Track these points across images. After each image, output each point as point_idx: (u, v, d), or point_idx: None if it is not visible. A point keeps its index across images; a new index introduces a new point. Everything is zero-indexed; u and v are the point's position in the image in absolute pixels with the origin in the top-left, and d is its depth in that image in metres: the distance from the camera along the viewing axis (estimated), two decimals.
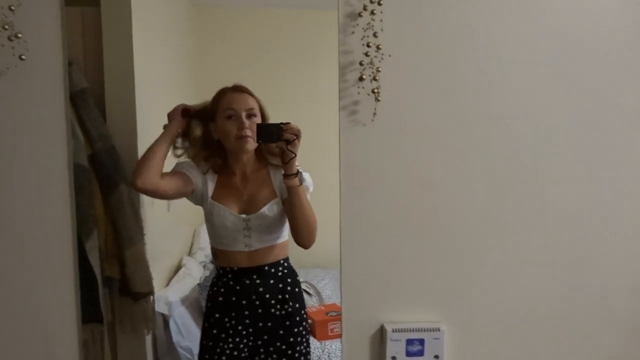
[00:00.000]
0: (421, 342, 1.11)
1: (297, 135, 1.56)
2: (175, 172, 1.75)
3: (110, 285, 1.90)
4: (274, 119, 1.78)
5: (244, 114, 1.70)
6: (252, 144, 1.72)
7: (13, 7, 1.08)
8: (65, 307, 1.29)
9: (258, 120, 1.73)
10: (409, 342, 1.11)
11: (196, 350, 1.91)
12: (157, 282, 2.27)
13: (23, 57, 1.10)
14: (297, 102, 2.30)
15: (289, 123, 1.56)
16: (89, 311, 1.67)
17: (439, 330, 1.10)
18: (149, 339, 2.06)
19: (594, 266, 1.22)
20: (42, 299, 1.28)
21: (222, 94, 1.76)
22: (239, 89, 1.76)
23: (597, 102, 1.20)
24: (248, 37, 2.33)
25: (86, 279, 1.65)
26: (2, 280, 1.26)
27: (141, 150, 1.96)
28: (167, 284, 2.37)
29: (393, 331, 1.09)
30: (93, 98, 1.80)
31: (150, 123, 2.09)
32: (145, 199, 1.97)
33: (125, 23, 1.85)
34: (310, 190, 1.75)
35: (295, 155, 1.57)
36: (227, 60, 2.56)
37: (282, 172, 1.64)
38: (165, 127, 1.76)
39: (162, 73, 2.28)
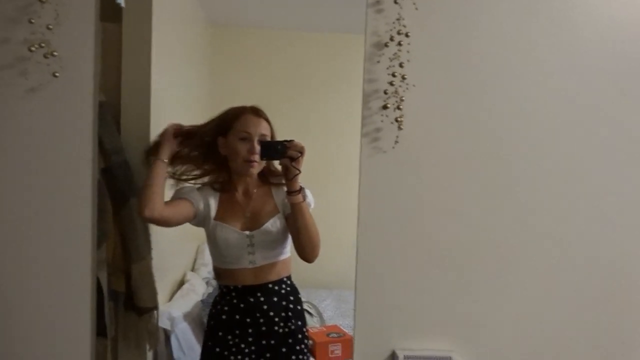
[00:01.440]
0: None
1: (302, 152, 1.57)
2: (176, 199, 1.74)
3: (115, 299, 1.89)
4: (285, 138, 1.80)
5: (256, 139, 1.71)
6: (257, 169, 1.74)
7: (51, 26, 1.11)
8: (81, 319, 1.29)
9: None
10: None
11: None
12: (160, 297, 2.26)
13: (57, 74, 1.12)
14: (309, 123, 2.34)
15: (293, 140, 1.58)
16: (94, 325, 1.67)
17: (450, 359, 1.12)
18: (150, 354, 2.05)
19: (617, 303, 1.23)
20: (59, 310, 1.28)
21: (240, 113, 1.77)
22: (257, 113, 1.77)
23: (623, 134, 1.23)
24: (266, 58, 2.37)
25: None
26: (21, 288, 1.26)
27: None
28: (170, 299, 2.37)
29: (405, 358, 1.10)
30: (110, 112, 1.82)
31: None
32: None
33: (145, 40, 1.88)
34: (312, 207, 1.77)
35: (300, 172, 1.59)
36: (242, 79, 2.60)
37: (285, 189, 1.66)
38: (154, 150, 1.73)
39: (179, 89, 2.31)
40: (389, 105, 1.12)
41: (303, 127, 2.24)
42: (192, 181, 1.79)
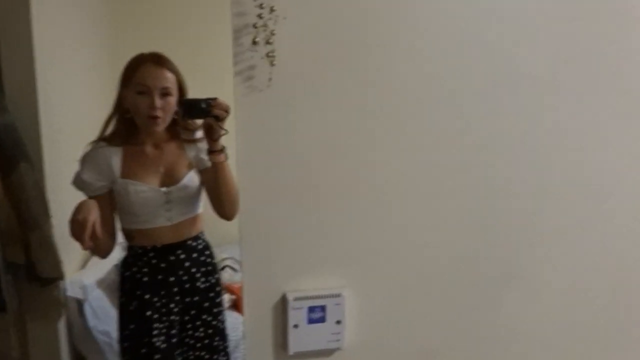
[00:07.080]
0: (323, 308, 1.10)
1: (227, 111, 1.47)
2: (91, 200, 1.53)
3: (15, 271, 1.79)
4: (191, 84, 1.68)
5: (157, 93, 1.57)
6: (161, 125, 1.61)
7: None
8: None
9: (174, 99, 1.61)
10: (311, 309, 1.09)
11: (114, 333, 1.83)
12: (72, 266, 2.17)
13: None
14: (214, 65, 2.22)
15: (217, 98, 1.46)
16: None
17: (340, 296, 1.10)
18: (62, 325, 1.97)
19: (500, 231, 1.24)
20: None
21: (139, 63, 1.60)
22: (158, 61, 1.60)
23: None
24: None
25: None
26: None
27: (44, 124, 1.82)
28: (84, 266, 2.27)
29: (294, 299, 1.07)
30: None
31: (53, 95, 1.95)
32: (49, 180, 1.85)
33: None
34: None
35: (227, 132, 1.48)
36: (142, 23, 2.42)
37: (207, 147, 1.55)
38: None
39: (69, 38, 2.12)
40: (258, 40, 1.04)
41: (209, 70, 2.14)
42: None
